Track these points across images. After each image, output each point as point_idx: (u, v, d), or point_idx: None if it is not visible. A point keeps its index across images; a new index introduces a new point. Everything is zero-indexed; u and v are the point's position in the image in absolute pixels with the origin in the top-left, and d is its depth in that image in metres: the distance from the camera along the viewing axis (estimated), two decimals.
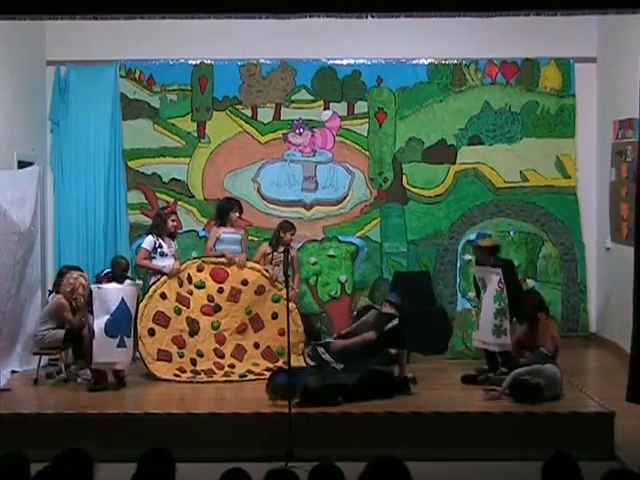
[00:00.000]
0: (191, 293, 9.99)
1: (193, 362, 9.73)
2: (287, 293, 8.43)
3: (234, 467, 4.25)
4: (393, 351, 9.12)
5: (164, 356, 9.65)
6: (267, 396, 8.33)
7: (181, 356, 9.71)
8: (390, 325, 9.28)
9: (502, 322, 9.27)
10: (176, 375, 9.45)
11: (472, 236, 10.98)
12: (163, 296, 9.90)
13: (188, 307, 9.96)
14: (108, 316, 9.04)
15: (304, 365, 9.20)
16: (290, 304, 9.59)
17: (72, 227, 11.70)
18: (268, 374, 9.42)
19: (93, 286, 9.38)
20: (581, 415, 7.97)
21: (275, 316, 10.03)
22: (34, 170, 10.75)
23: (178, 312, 9.90)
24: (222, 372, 9.67)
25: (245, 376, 9.62)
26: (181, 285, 9.98)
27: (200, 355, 9.80)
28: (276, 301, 10.03)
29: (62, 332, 9.45)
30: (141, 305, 9.88)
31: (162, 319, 9.82)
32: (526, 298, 9.35)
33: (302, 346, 9.94)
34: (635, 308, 7.86)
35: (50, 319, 9.52)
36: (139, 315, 9.77)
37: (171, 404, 8.55)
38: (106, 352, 8.93)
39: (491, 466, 7.53)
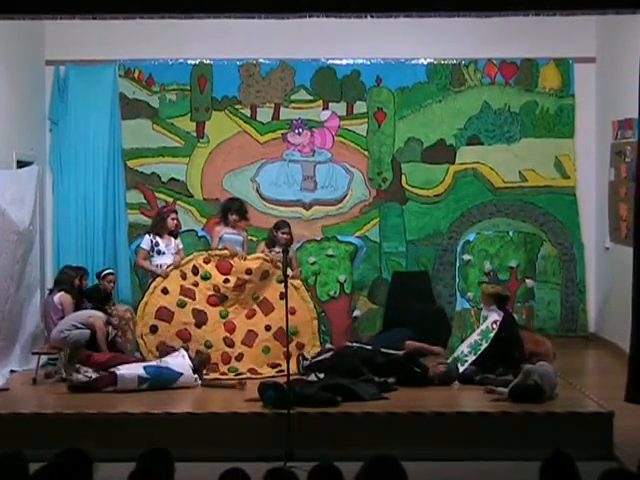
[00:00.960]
0: (196, 285, 9.97)
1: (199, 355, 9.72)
2: (286, 292, 8.42)
3: (233, 467, 4.25)
4: (377, 379, 9.00)
5: (166, 351, 9.63)
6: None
7: (186, 350, 9.68)
8: (417, 367, 9.26)
9: (469, 355, 9.29)
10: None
11: (471, 236, 10.98)
12: (165, 291, 9.90)
13: (194, 299, 9.92)
14: (161, 363, 9.07)
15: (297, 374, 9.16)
16: (297, 281, 9.65)
17: (71, 227, 11.69)
18: (268, 373, 9.47)
19: (185, 350, 9.38)
20: (580, 415, 7.97)
21: (282, 296, 9.95)
22: (33, 170, 10.75)
23: (182, 305, 9.88)
24: (226, 367, 9.64)
25: (242, 374, 9.59)
26: (184, 278, 9.96)
27: (208, 346, 9.74)
28: (281, 282, 9.98)
29: (88, 332, 9.44)
30: (141, 303, 9.87)
31: (165, 314, 9.81)
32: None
33: (316, 323, 9.94)
34: (634, 308, 7.86)
35: (80, 325, 9.53)
36: (139, 314, 9.78)
37: (170, 403, 8.53)
38: (131, 374, 8.88)
39: (490, 466, 7.52)
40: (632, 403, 7.84)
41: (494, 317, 9.42)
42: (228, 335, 9.92)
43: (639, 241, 7.76)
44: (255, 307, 10.05)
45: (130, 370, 8.90)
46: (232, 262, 10.04)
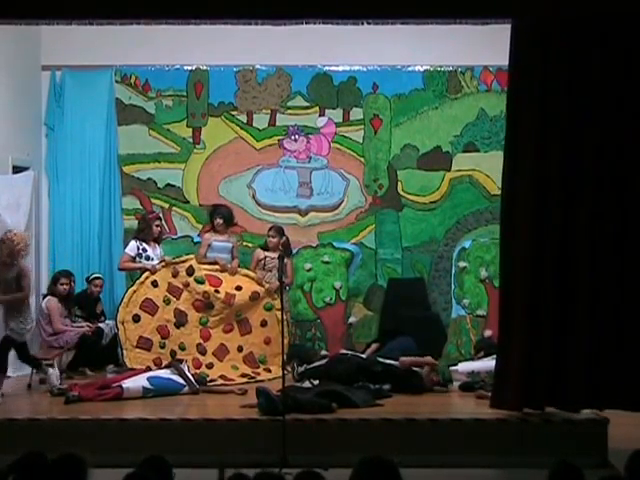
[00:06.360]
0: (187, 285, 10.01)
1: (173, 354, 9.76)
2: (282, 299, 8.43)
3: (236, 472, 4.23)
4: (372, 386, 9.02)
5: (144, 344, 9.69)
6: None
7: (162, 346, 9.72)
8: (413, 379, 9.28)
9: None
10: (148, 368, 9.40)
11: (467, 244, 10.99)
12: (155, 284, 9.96)
13: (178, 298, 9.99)
14: (164, 374, 9.11)
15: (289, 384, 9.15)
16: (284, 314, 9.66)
17: (67, 232, 11.68)
18: (240, 380, 9.51)
19: (188, 371, 9.31)
20: (574, 422, 7.96)
21: (264, 324, 10.07)
22: (29, 175, 10.75)
23: (167, 302, 9.94)
24: (197, 372, 9.59)
25: (214, 380, 9.58)
26: (175, 276, 10.01)
27: (182, 348, 9.81)
28: (268, 310, 10.06)
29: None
30: (130, 290, 9.91)
31: (150, 306, 9.86)
32: None
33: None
34: (500, 311, 7.89)
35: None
36: (126, 300, 9.81)
37: (165, 410, 8.51)
38: (136, 386, 8.88)
39: (485, 473, 7.53)
40: (496, 409, 7.85)
41: None
42: (202, 342, 9.97)
43: (503, 252, 7.87)
44: (234, 324, 10.11)
45: (135, 383, 8.91)
46: (221, 277, 10.10)
